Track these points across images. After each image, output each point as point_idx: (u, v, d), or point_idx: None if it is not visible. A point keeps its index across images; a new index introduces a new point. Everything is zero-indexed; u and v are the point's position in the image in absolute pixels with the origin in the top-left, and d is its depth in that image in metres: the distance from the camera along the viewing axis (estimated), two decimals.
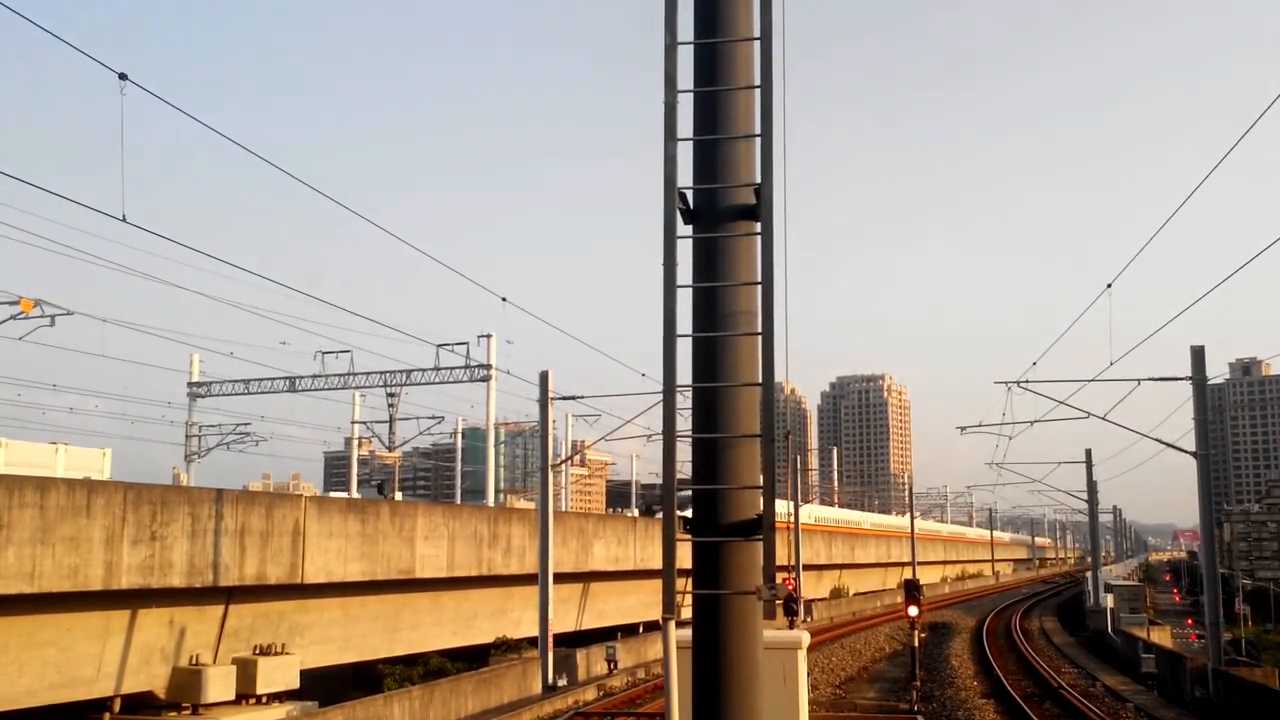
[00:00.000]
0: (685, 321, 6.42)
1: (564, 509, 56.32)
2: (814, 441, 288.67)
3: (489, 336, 48.13)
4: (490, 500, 51.83)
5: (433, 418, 54.69)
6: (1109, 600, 48.75)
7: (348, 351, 49.06)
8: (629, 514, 63.42)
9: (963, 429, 42.77)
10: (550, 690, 26.75)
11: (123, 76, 14.27)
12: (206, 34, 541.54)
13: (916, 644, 31.36)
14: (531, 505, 55.68)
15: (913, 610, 29.57)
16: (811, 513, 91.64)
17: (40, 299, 31.40)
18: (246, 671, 20.83)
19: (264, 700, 21.01)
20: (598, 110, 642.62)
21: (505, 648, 29.65)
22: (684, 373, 6.42)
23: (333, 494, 41.67)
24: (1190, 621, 59.15)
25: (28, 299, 31.08)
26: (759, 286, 6.31)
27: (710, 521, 6.22)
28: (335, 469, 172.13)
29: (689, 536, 6.28)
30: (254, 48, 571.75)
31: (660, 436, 6.84)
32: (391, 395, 50.63)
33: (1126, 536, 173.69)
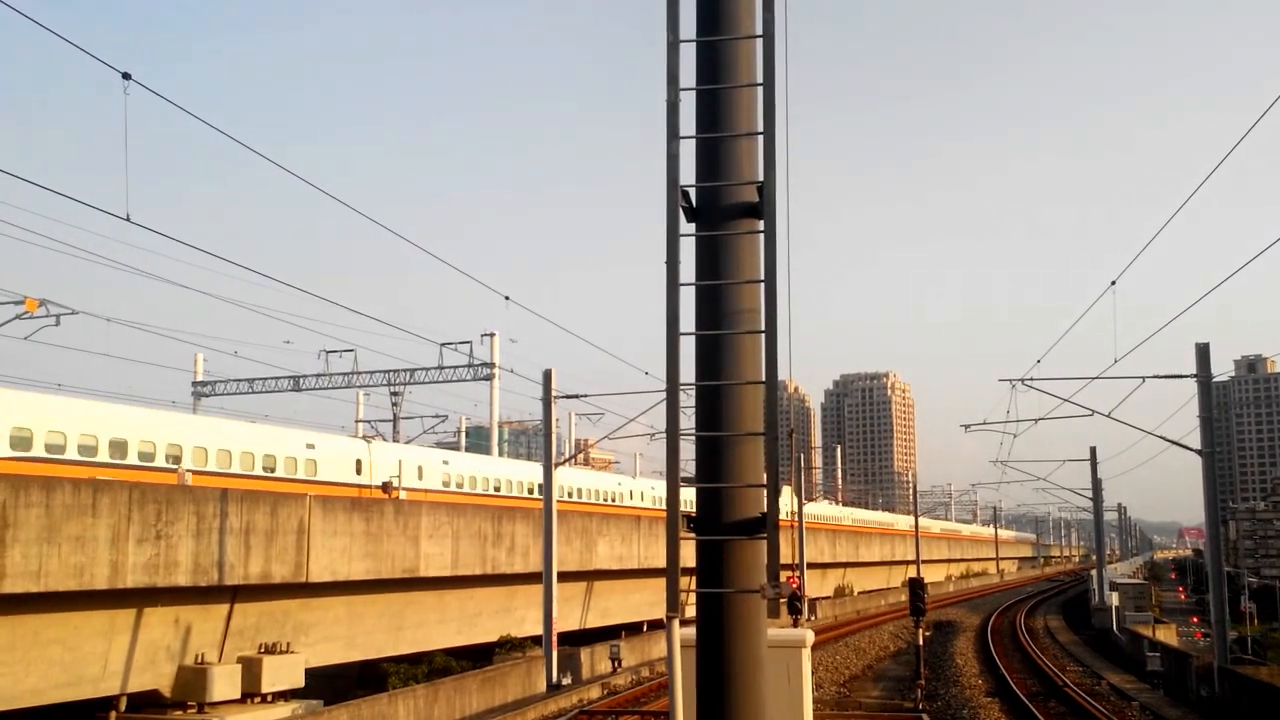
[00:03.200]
0: (689, 320, 6.41)
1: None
2: (818, 440, 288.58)
3: (492, 335, 48.26)
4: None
5: (436, 416, 54.86)
6: (1114, 598, 48.67)
7: (351, 350, 49.23)
8: None
9: (967, 427, 42.55)
10: (554, 689, 26.77)
11: (126, 76, 14.29)
12: (204, 31, 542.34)
13: (921, 642, 31.34)
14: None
15: (917, 608, 29.55)
16: (851, 515, 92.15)
17: (45, 299, 31.46)
18: (252, 670, 20.86)
19: (269, 699, 21.04)
20: (599, 107, 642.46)
21: (509, 646, 29.66)
22: (687, 371, 6.41)
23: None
24: (1196, 620, 59.11)
25: (32, 299, 31.14)
26: (762, 285, 6.30)
27: (714, 520, 6.21)
28: None
29: (693, 535, 6.27)
30: (254, 45, 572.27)
31: (664, 435, 6.84)
32: (395, 394, 50.72)
33: (1131, 534, 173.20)
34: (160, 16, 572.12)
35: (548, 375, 29.81)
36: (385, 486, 32.72)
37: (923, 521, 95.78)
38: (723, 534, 6.17)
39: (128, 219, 15.59)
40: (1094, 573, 59.35)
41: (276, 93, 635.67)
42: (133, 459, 25.76)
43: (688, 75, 6.56)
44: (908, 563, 77.17)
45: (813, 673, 11.76)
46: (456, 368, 47.83)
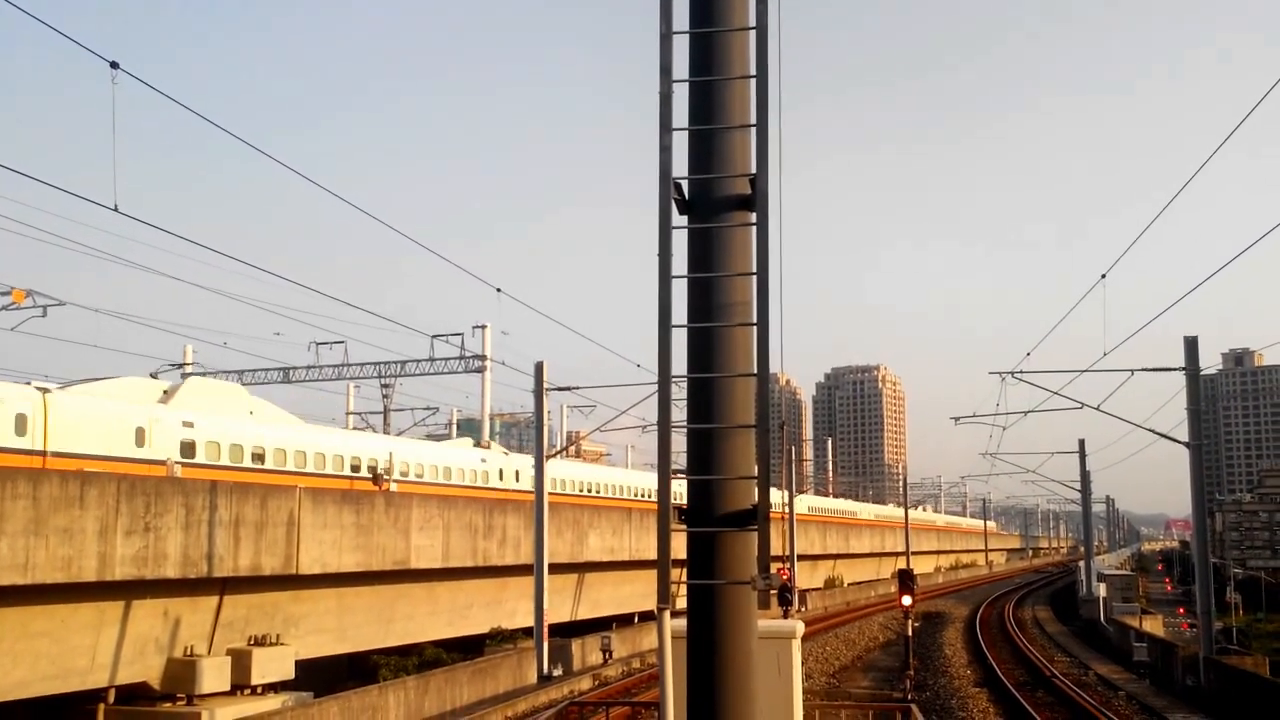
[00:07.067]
0: (680, 312, 6.41)
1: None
2: (809, 432, 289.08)
3: (484, 327, 48.14)
4: None
5: (428, 409, 54.83)
6: (1101, 589, 48.91)
7: (342, 342, 49.07)
8: None
9: (957, 419, 42.79)
10: (545, 680, 26.82)
11: (114, 65, 14.19)
12: (203, 27, 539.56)
13: (910, 633, 31.51)
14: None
15: (906, 600, 29.70)
16: (873, 511, 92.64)
17: (32, 289, 31.28)
18: (241, 662, 20.83)
19: (259, 691, 21.03)
20: (591, 98, 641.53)
21: (500, 638, 29.69)
22: (679, 363, 6.41)
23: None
24: (1182, 610, 59.52)
25: (20, 289, 30.95)
26: (754, 277, 6.30)
27: (705, 512, 6.22)
28: None
29: (684, 527, 6.28)
30: (251, 41, 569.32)
31: (655, 427, 6.84)
32: (386, 386, 50.64)
33: (1119, 526, 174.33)
34: (150, 5, 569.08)
35: (539, 367, 29.78)
36: (376, 479, 32.69)
37: (925, 515, 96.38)
38: (714, 526, 6.18)
39: (116, 209, 15.49)
40: (1082, 564, 59.69)
41: (269, 83, 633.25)
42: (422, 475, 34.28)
43: (681, 67, 6.54)
44: (897, 554, 77.45)
45: (803, 663, 11.80)
46: (448, 359, 47.71)
